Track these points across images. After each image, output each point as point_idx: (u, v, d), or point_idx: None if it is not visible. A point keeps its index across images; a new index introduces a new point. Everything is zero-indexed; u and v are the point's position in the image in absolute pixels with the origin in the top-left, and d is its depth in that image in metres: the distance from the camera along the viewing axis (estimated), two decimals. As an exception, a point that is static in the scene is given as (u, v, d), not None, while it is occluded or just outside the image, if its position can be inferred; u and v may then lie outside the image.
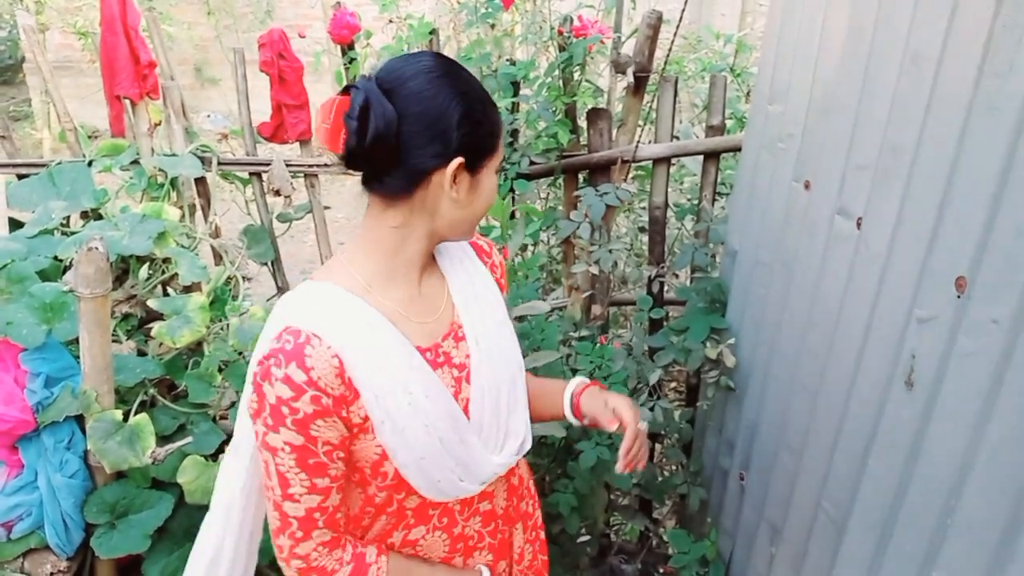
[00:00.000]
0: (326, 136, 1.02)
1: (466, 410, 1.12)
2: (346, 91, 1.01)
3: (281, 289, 2.66)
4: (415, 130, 0.98)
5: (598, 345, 1.99)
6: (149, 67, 2.24)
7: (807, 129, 1.59)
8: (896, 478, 1.26)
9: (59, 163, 2.46)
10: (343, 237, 4.87)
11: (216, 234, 2.50)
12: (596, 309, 2.17)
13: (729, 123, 3.20)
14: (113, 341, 2.08)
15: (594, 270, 1.98)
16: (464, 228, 1.10)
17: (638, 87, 2.29)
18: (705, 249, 1.99)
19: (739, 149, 2.31)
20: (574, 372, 2.05)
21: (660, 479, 2.20)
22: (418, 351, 1.08)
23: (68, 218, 2.37)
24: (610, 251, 1.97)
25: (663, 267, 2.25)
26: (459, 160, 1.00)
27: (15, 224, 2.33)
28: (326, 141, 1.02)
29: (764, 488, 1.74)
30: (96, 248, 1.65)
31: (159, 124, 2.42)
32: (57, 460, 1.84)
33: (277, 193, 2.52)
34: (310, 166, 2.54)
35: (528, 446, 1.22)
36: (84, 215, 2.38)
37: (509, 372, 1.18)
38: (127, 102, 2.23)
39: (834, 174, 1.46)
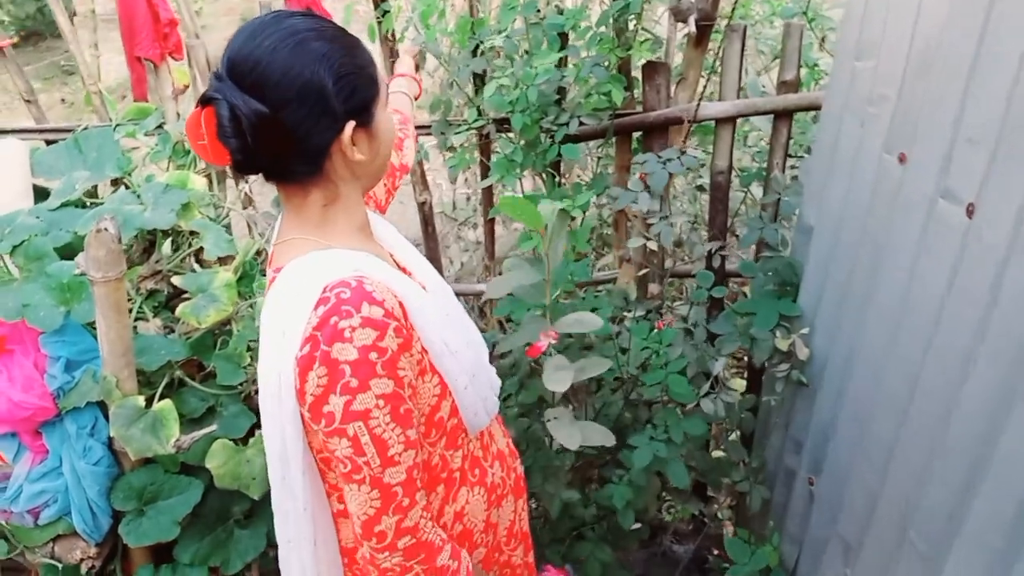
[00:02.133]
0: (209, 156, 0.94)
1: None
2: (207, 102, 0.91)
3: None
4: (297, 116, 0.93)
5: (655, 330, 1.80)
6: (170, 25, 2.09)
7: (904, 91, 1.35)
8: (1012, 521, 1.05)
9: (85, 128, 2.36)
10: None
11: (247, 203, 2.37)
12: (653, 288, 1.97)
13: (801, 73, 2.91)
14: (139, 319, 2.00)
15: (652, 245, 1.78)
16: (383, 170, 1.09)
17: (701, 37, 2.04)
18: (776, 225, 1.76)
19: (816, 108, 2.06)
20: (624, 352, 1.88)
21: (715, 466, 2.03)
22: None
23: (96, 187, 2.28)
24: (671, 224, 1.77)
25: (725, 241, 2.03)
26: (351, 125, 0.96)
27: (42, 195, 2.24)
28: (211, 160, 0.95)
29: (838, 498, 1.56)
30: (106, 229, 1.53)
31: (187, 87, 2.28)
32: (80, 447, 1.77)
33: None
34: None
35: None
36: (115, 183, 2.28)
37: (449, 292, 1.20)
38: (149, 64, 2.09)
39: (937, 148, 1.22)
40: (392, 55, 2.28)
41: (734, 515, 2.40)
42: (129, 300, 2.02)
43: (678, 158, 1.76)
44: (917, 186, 1.28)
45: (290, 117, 0.92)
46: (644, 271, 2.01)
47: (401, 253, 1.18)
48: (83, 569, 1.85)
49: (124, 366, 1.71)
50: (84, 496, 1.78)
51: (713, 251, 2.06)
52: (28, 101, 2.39)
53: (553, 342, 1.38)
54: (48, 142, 2.43)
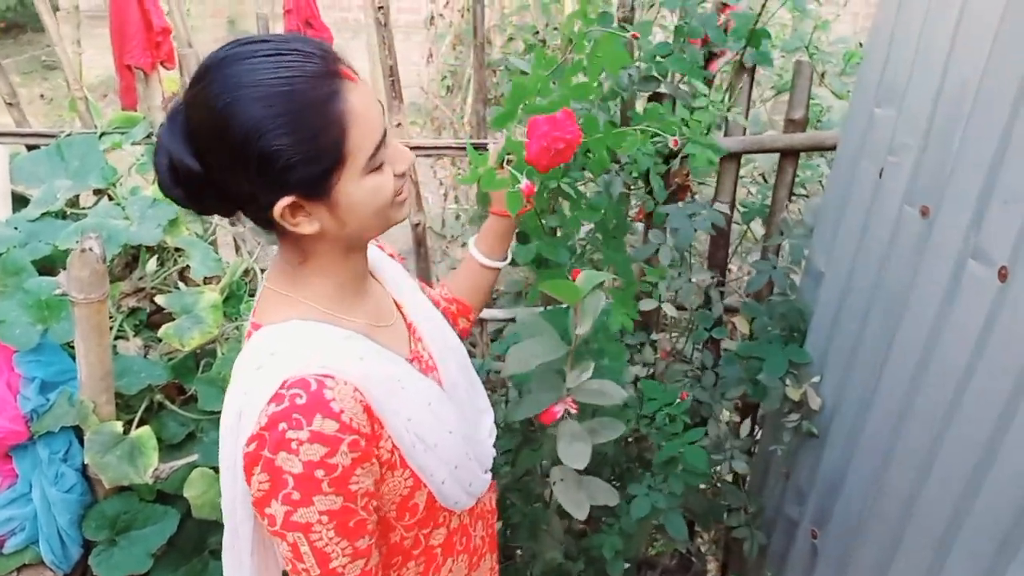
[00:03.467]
0: (170, 196, 0.88)
1: None
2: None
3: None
4: (229, 179, 0.84)
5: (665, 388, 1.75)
6: (163, 33, 2.01)
7: (930, 142, 1.31)
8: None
9: (68, 135, 2.27)
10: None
11: (235, 220, 2.29)
12: (663, 341, 1.90)
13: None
14: (119, 338, 1.91)
15: (670, 309, 1.71)
16: (374, 229, 0.94)
17: (707, 68, 2.01)
18: (785, 269, 1.73)
19: (824, 149, 2.03)
20: (641, 406, 1.79)
21: (710, 508, 1.98)
22: (407, 362, 1.02)
23: (77, 197, 2.19)
24: (691, 280, 1.70)
25: (724, 279, 1.99)
26: (284, 202, 0.84)
27: (21, 202, 2.15)
28: (175, 201, 0.89)
29: (845, 556, 1.51)
30: (90, 249, 1.45)
31: (175, 95, 2.19)
32: (52, 473, 1.68)
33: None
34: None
35: (493, 420, 1.19)
36: (97, 193, 2.19)
37: (459, 355, 1.14)
38: (139, 72, 2.01)
39: (967, 205, 1.19)
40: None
41: (723, 555, 2.35)
42: (110, 319, 1.94)
43: (709, 212, 1.67)
44: (942, 242, 1.25)
45: (221, 179, 0.84)
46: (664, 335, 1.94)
47: (412, 308, 1.10)
48: (48, 600, 1.76)
49: (103, 390, 1.63)
50: (54, 524, 1.69)
51: (710, 285, 2.02)
52: (10, 104, 2.30)
53: (572, 411, 1.32)
54: (29, 147, 2.33)
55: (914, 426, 1.33)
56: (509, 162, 1.35)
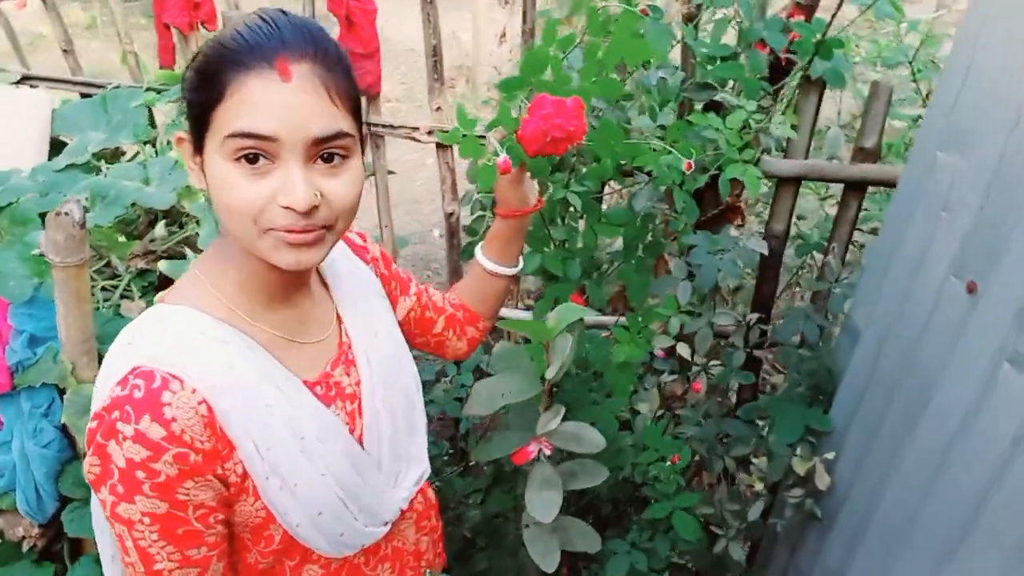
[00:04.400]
0: None
1: (361, 445, 0.97)
2: None
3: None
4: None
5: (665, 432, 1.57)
6: (203, -7, 1.96)
7: (989, 202, 1.08)
8: None
9: (116, 86, 2.27)
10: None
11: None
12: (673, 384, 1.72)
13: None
14: (124, 297, 1.90)
15: (684, 351, 1.53)
16: (237, 231, 0.82)
17: (774, 80, 1.79)
18: (820, 320, 1.51)
19: (892, 185, 1.78)
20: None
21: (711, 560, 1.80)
22: (306, 386, 0.91)
23: (118, 150, 2.19)
24: (712, 325, 1.51)
25: (769, 316, 1.78)
26: (182, 132, 0.85)
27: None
28: None
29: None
30: (66, 213, 1.41)
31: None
32: (32, 427, 1.68)
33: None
34: (375, 124, 2.21)
35: (428, 473, 1.09)
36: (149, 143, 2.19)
37: (405, 391, 1.04)
38: (177, 31, 1.97)
39: (1017, 293, 0.96)
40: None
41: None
42: (117, 278, 1.94)
43: (738, 248, 1.47)
44: (982, 332, 1.02)
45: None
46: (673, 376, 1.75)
47: (357, 329, 1.00)
48: (24, 547, 1.78)
49: (84, 352, 1.61)
50: (31, 477, 1.70)
51: (750, 323, 1.81)
52: (65, 51, 2.32)
53: (547, 452, 1.18)
54: (83, 95, 2.35)
55: (928, 530, 1.11)
56: (498, 135, 1.22)
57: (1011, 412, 0.93)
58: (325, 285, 1.02)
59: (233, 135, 0.77)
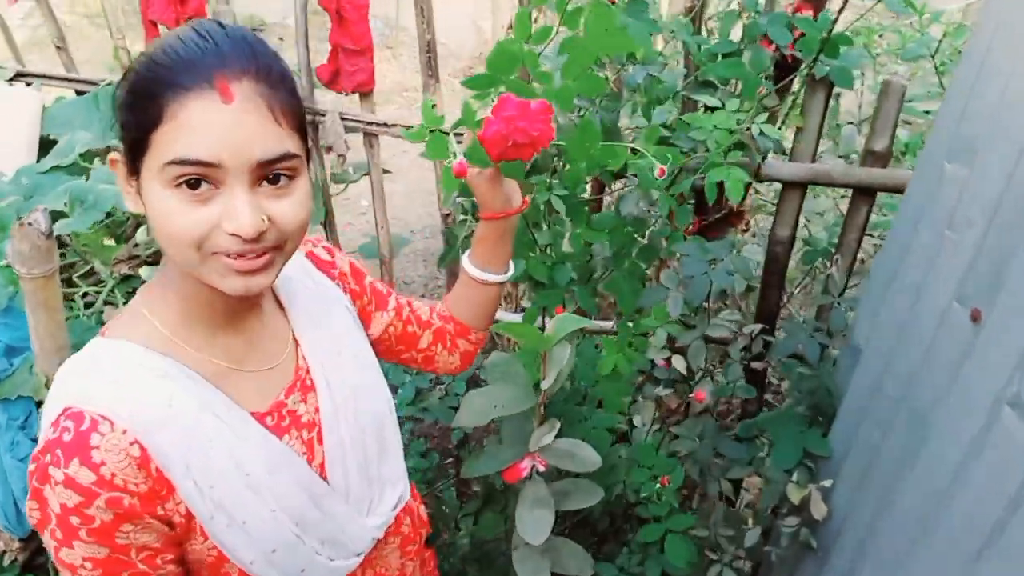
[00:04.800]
0: None
1: (323, 475, 0.92)
2: None
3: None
4: None
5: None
6: (189, -11, 1.90)
7: (997, 222, 0.99)
8: None
9: (109, 83, 2.23)
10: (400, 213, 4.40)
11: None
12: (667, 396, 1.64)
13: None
14: (108, 303, 1.86)
15: (679, 364, 1.45)
16: (178, 258, 0.77)
17: (780, 77, 1.69)
18: (821, 337, 1.42)
19: (901, 191, 1.67)
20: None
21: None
22: (253, 417, 0.86)
23: (108, 148, 2.15)
24: (705, 340, 1.43)
25: (774, 327, 1.69)
26: (116, 154, 0.79)
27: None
28: None
29: None
30: (31, 224, 1.36)
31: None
32: (8, 440, 1.65)
33: (329, 150, 2.16)
34: (368, 123, 2.15)
35: (408, 496, 1.05)
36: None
37: (374, 415, 0.99)
38: (163, 28, 1.92)
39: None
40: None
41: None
42: (102, 284, 1.90)
43: (732, 258, 1.39)
44: (985, 366, 0.93)
45: None
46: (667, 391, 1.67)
47: (315, 350, 0.95)
48: (6, 561, 1.76)
49: (58, 363, 1.56)
50: (9, 491, 1.67)
51: (753, 336, 1.72)
52: (58, 48, 2.28)
53: (541, 469, 1.12)
54: (78, 92, 2.31)
55: (936, 568, 1.03)
56: (458, 135, 1.15)
57: (1012, 460, 0.84)
58: (280, 305, 0.96)
59: (173, 162, 0.72)
